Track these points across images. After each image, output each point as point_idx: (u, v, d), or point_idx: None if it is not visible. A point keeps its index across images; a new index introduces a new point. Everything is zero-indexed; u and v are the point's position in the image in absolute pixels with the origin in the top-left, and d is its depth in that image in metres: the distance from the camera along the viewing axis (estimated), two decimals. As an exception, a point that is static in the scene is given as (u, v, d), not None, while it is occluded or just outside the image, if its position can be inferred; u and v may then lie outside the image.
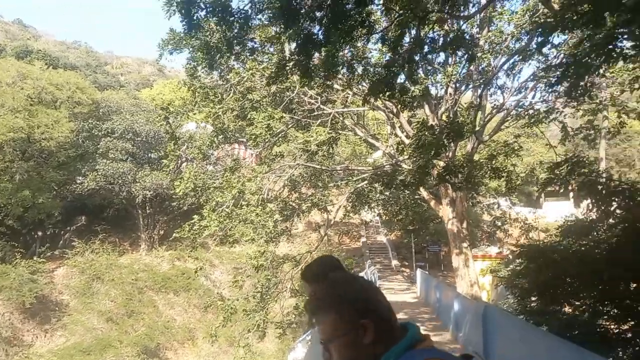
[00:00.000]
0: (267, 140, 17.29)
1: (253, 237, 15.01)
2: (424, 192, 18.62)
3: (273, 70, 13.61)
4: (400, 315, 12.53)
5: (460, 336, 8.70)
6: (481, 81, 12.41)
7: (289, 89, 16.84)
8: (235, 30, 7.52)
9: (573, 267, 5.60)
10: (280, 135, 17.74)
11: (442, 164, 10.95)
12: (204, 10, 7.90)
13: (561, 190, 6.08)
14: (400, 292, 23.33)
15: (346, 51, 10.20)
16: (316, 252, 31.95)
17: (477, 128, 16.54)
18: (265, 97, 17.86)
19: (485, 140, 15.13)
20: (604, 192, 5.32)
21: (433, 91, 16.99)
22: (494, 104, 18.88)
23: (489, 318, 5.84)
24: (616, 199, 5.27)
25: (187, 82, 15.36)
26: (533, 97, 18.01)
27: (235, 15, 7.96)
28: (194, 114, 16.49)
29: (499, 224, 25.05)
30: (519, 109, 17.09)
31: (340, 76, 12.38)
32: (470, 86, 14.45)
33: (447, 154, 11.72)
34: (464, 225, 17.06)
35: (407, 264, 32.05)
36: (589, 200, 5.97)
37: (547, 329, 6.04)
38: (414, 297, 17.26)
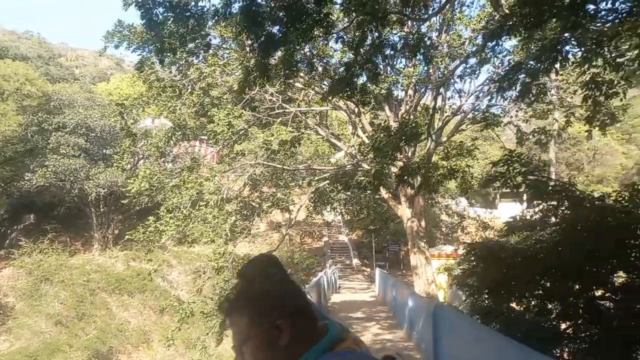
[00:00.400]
0: (227, 138, 17.00)
1: (212, 238, 14.68)
2: (383, 192, 18.85)
3: (240, 77, 13.49)
4: (357, 314, 12.62)
5: (413, 334, 8.82)
6: (438, 83, 12.67)
7: (252, 88, 16.63)
8: (190, 27, 7.32)
9: (519, 265, 5.77)
10: (241, 133, 17.49)
11: (400, 164, 11.11)
12: (162, 7, 7.67)
13: (507, 190, 6.27)
14: (360, 291, 23.55)
15: (307, 50, 10.14)
16: (277, 252, 31.75)
17: (435, 130, 16.93)
18: (226, 94, 17.55)
19: (443, 142, 15.47)
20: (546, 191, 5.52)
21: (395, 93, 17.27)
22: (452, 107, 19.41)
23: (439, 316, 5.93)
24: (558, 199, 5.48)
25: (142, 75, 14.84)
26: (490, 101, 18.64)
27: (192, 11, 7.77)
28: (149, 107, 15.93)
29: (456, 222, 25.71)
30: (475, 112, 17.61)
31: (301, 74, 12.35)
32: (429, 88, 14.72)
33: (406, 154, 11.88)
34: (422, 224, 17.40)
35: (368, 263, 32.40)
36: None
37: (497, 327, 6.20)
38: (372, 296, 17.43)
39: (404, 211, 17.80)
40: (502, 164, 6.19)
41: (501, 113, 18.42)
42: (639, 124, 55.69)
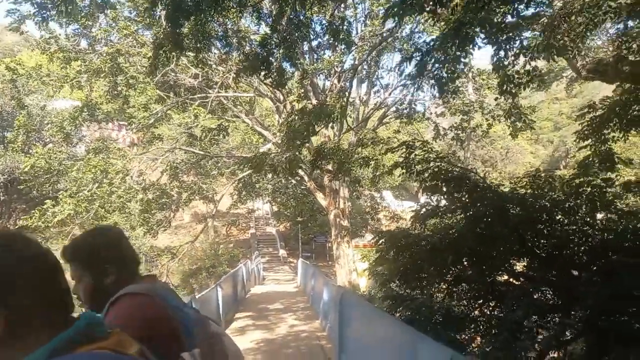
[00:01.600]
0: (144, 121, 15.77)
1: (116, 222, 13.51)
2: (308, 183, 18.64)
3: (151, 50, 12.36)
4: (275, 306, 12.22)
5: (326, 324, 8.60)
6: (355, 65, 12.48)
7: (166, 64, 15.49)
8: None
9: (425, 252, 5.68)
10: (158, 116, 16.30)
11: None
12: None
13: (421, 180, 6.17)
14: (285, 282, 23.22)
15: (222, 24, 9.47)
16: (201, 244, 30.47)
17: (358, 122, 16.97)
18: (142, 74, 16.22)
19: (362, 130, 15.39)
20: (446, 178, 5.47)
21: (321, 82, 17.04)
22: (377, 101, 19.63)
23: (345, 304, 5.69)
24: (459, 186, 5.45)
25: (40, 43, 13.20)
26: (412, 96, 19.04)
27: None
28: (50, 79, 14.24)
29: (372, 213, 26.31)
30: (399, 107, 17.88)
31: (216, 51, 11.62)
32: (351, 75, 14.59)
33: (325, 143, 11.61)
34: (345, 214, 17.41)
35: (295, 254, 32.22)
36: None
37: (407, 312, 6.08)
38: (295, 287, 17.16)
39: (327, 201, 17.70)
40: (403, 151, 6.06)
41: (422, 109, 18.93)
42: (547, 126, 60.83)
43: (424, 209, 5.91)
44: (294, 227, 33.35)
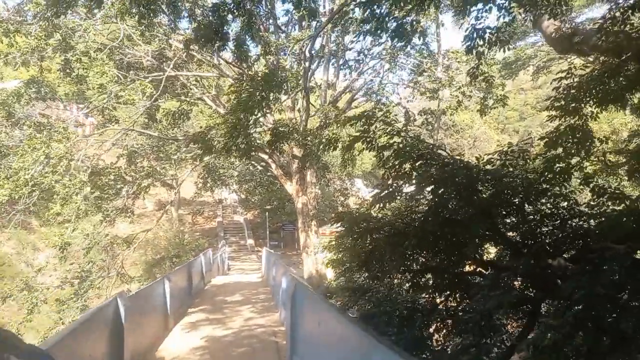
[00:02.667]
0: (99, 103, 14.54)
1: (58, 212, 12.41)
2: (275, 169, 17.87)
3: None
4: (235, 297, 11.49)
5: (285, 318, 7.95)
6: (314, 36, 11.73)
7: (118, 38, 14.28)
8: None
9: (387, 238, 5.10)
10: (112, 95, 15.05)
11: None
12: None
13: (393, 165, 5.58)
14: (251, 272, 22.44)
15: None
16: (164, 233, 29.26)
17: (326, 104, 16.24)
18: (96, 51, 14.91)
19: (325, 107, 14.57)
20: (411, 154, 4.87)
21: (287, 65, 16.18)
22: (346, 84, 18.95)
23: (298, 299, 5.04)
24: (425, 162, 4.86)
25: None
26: (382, 80, 18.47)
27: None
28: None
29: (341, 199, 25.72)
30: (368, 90, 17.29)
31: (163, 16, 10.60)
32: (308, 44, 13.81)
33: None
34: (312, 202, 16.76)
35: (263, 243, 31.46)
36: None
37: (368, 305, 5.45)
38: (259, 277, 16.45)
39: (294, 188, 17.00)
40: (362, 123, 5.40)
41: (391, 92, 18.38)
42: (512, 116, 61.94)
43: (385, 191, 5.27)
44: (262, 215, 32.55)
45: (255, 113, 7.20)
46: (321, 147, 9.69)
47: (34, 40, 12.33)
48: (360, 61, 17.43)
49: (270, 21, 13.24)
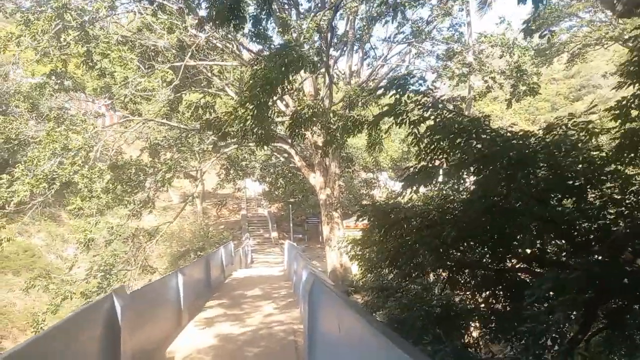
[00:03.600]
0: (120, 94, 14.23)
1: (80, 206, 12.12)
2: (297, 161, 17.24)
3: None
4: (254, 292, 10.93)
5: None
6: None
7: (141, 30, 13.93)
8: None
9: (421, 231, 4.36)
10: (132, 85, 14.70)
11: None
12: None
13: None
14: (275, 264, 22.02)
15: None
16: (188, 225, 29.20)
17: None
18: (117, 44, 14.56)
19: (350, 87, 13.66)
20: (451, 128, 4.08)
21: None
22: (370, 71, 18.10)
23: (315, 296, 4.37)
24: (469, 146, 4.08)
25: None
26: (408, 66, 17.53)
27: None
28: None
29: (366, 189, 24.74)
30: (392, 78, 16.34)
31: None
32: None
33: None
34: (335, 193, 16.06)
35: (287, 236, 31.03)
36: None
37: (398, 310, 4.72)
38: (280, 271, 15.90)
39: (317, 179, 16.33)
40: (392, 91, 4.64)
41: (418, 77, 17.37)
42: (544, 107, 59.45)
43: (419, 173, 4.49)
44: (286, 208, 32.12)
45: (273, 92, 6.50)
46: (347, 128, 8.89)
47: (45, 23, 11.92)
48: (389, 40, 16.53)
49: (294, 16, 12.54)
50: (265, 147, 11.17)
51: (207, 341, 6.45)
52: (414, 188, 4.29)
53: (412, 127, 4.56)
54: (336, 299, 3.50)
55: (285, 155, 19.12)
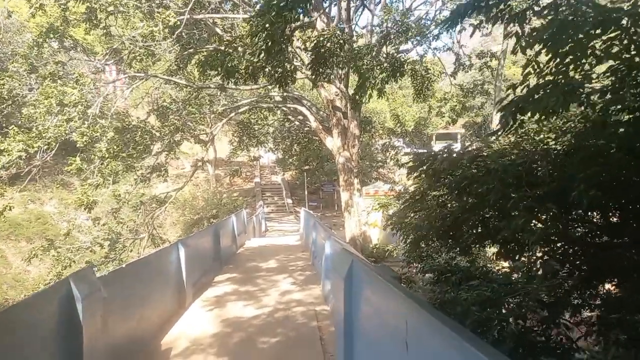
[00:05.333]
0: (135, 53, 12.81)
1: (79, 166, 11.01)
2: (313, 123, 15.78)
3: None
4: (269, 264, 9.72)
5: (328, 294, 6.08)
6: None
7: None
8: None
9: (502, 187, 2.97)
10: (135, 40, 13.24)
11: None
12: None
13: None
14: (289, 233, 20.97)
15: None
16: (202, 193, 28.27)
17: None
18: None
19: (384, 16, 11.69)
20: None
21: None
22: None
23: (355, 284, 3.05)
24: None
25: None
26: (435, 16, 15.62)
27: None
28: None
29: (390, 156, 23.04)
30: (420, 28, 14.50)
31: None
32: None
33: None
34: (354, 157, 14.65)
35: (302, 204, 29.96)
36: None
37: (466, 296, 3.39)
38: (297, 240, 14.77)
39: (334, 143, 14.89)
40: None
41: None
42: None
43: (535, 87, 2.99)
44: (300, 175, 30.90)
45: (292, 19, 5.00)
46: (384, 70, 7.29)
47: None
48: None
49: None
50: (282, 91, 9.65)
51: (212, 327, 5.28)
52: (505, 129, 2.86)
53: (514, 22, 3.08)
54: (396, 294, 2.18)
55: (300, 117, 17.66)
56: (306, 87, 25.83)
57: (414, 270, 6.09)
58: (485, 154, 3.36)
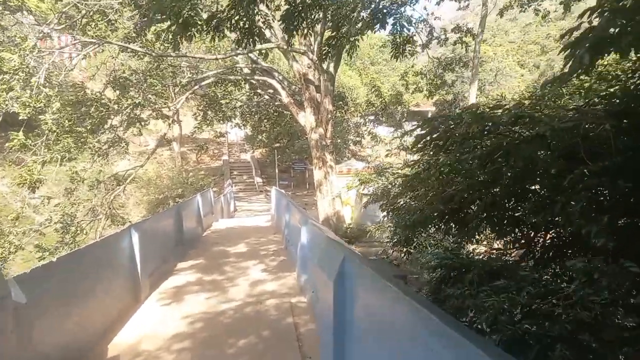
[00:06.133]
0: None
1: (22, 141, 9.78)
2: (284, 96, 14.82)
3: None
4: (239, 248, 8.93)
5: (305, 285, 5.40)
6: None
7: None
8: None
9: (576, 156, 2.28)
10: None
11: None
12: None
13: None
14: (260, 213, 20.17)
15: None
16: (166, 172, 26.88)
17: None
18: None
19: None
20: None
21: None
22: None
23: (348, 279, 2.34)
24: None
25: None
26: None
27: None
28: None
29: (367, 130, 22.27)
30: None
31: None
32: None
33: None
34: (329, 134, 13.89)
35: (272, 182, 29.08)
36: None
37: (492, 299, 2.71)
38: (268, 221, 14.00)
39: (307, 118, 14.06)
40: None
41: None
42: (534, 50, 56.99)
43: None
44: (271, 153, 29.90)
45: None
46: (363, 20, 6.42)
47: None
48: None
49: None
50: (249, 49, 8.62)
51: (171, 326, 4.50)
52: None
53: None
54: (408, 304, 1.51)
55: (270, 91, 16.66)
56: (276, 61, 24.63)
57: (403, 256, 5.49)
58: (536, 114, 2.67)
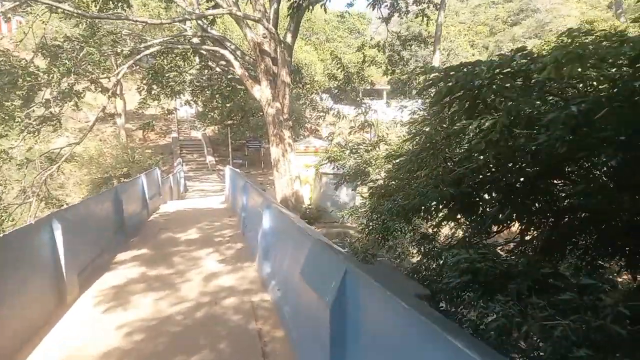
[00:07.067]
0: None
1: None
2: (237, 68, 13.65)
3: None
4: (191, 234, 7.98)
5: (268, 279, 4.65)
6: None
7: None
8: None
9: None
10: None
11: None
12: None
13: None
14: (212, 193, 19.04)
15: None
16: (111, 149, 24.86)
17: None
18: None
19: None
20: None
21: None
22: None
23: (351, 303, 1.62)
24: None
25: None
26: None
27: None
28: None
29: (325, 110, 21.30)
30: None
31: None
32: None
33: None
34: (286, 109, 12.98)
35: (225, 161, 27.76)
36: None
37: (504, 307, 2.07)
38: (222, 202, 13.03)
39: (263, 92, 13.04)
40: None
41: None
42: (482, 31, 58.18)
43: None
44: (223, 130, 28.40)
45: None
46: None
47: None
48: None
49: None
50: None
51: (102, 340, 3.61)
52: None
53: None
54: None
55: (223, 63, 15.36)
56: (229, 32, 23.06)
57: (379, 244, 4.87)
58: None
